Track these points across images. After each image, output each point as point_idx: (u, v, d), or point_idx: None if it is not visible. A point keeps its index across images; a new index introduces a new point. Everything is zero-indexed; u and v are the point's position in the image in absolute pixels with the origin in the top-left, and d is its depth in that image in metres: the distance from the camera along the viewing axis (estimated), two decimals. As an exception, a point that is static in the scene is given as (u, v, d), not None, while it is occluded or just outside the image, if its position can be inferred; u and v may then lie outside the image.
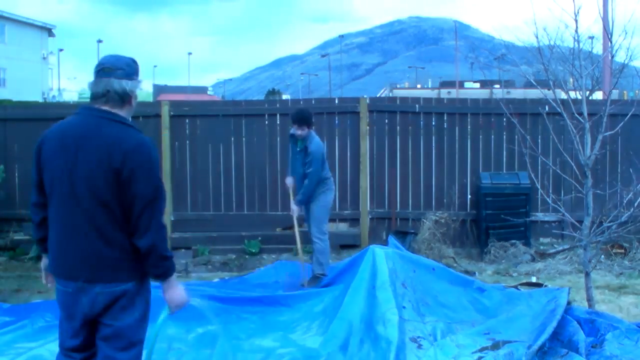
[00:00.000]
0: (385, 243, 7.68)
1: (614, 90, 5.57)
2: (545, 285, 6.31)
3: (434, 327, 4.81)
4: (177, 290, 3.12)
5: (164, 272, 3.03)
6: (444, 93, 43.85)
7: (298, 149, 6.99)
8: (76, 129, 2.95)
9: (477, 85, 51.57)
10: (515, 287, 6.18)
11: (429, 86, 69.17)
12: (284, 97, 58.35)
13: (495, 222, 8.23)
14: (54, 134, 3.00)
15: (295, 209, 6.98)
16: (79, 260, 2.93)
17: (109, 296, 2.93)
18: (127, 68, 3.00)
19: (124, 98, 2.98)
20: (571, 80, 5.43)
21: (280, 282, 6.90)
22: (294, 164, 7.10)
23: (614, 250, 8.00)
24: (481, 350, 4.42)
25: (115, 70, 2.96)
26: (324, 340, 4.85)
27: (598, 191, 5.49)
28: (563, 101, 5.62)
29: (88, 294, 2.93)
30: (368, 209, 9.11)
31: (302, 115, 6.91)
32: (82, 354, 3.07)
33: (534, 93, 8.19)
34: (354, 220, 9.19)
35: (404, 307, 4.80)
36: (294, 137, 7.00)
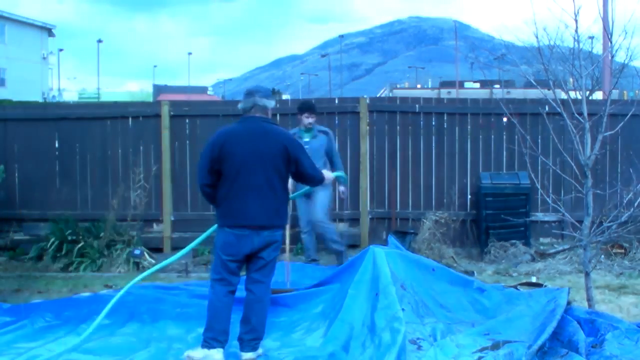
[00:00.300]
0: (385, 243, 7.68)
1: (614, 90, 5.57)
2: (545, 285, 6.30)
3: (433, 328, 4.80)
4: (328, 175, 5.38)
5: (322, 179, 4.97)
6: (444, 93, 43.82)
7: (306, 140, 7.24)
8: (253, 128, 4.64)
9: (477, 85, 51.57)
10: (515, 287, 6.17)
11: (429, 86, 69.14)
12: (284, 97, 58.33)
13: (495, 222, 8.23)
14: (235, 134, 4.64)
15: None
16: (260, 212, 4.52)
17: (272, 237, 4.59)
18: (263, 92, 4.84)
19: (266, 110, 4.78)
20: (571, 80, 5.43)
21: (280, 281, 6.88)
22: None
23: (614, 250, 8.00)
24: (481, 350, 4.42)
25: (258, 92, 4.79)
26: (324, 341, 4.85)
27: (598, 191, 5.49)
28: (563, 101, 5.62)
29: (259, 236, 4.54)
30: (368, 209, 9.11)
31: (311, 103, 7.62)
32: (236, 279, 4.69)
33: (534, 93, 8.18)
34: (354, 220, 9.19)
35: (403, 309, 4.79)
36: (295, 134, 7.13)
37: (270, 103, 4.77)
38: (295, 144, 4.72)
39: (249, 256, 4.62)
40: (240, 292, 4.85)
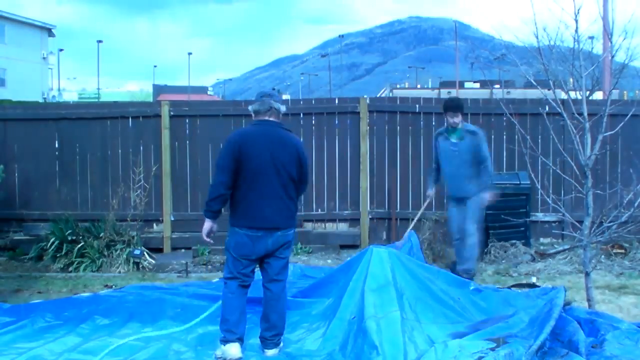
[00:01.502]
0: (385, 243, 7.69)
1: (614, 91, 5.57)
2: (538, 286, 6.30)
3: (432, 328, 4.80)
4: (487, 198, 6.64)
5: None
6: (444, 93, 43.83)
7: (454, 141, 6.81)
8: (270, 133, 4.73)
9: (477, 85, 51.57)
10: (510, 288, 6.18)
11: (429, 86, 69.14)
12: (284, 97, 58.31)
13: (495, 222, 8.22)
14: (253, 137, 4.68)
15: (431, 194, 7.35)
16: (275, 214, 4.66)
17: (285, 238, 4.75)
18: (277, 96, 4.98)
19: (280, 114, 4.87)
20: (571, 80, 5.42)
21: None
22: (450, 161, 6.89)
23: (614, 250, 8.00)
24: (481, 350, 4.41)
25: (273, 96, 4.90)
26: (323, 340, 4.85)
27: (598, 191, 5.49)
28: (563, 101, 5.62)
29: (273, 237, 4.67)
30: (368, 209, 9.11)
31: (458, 102, 6.94)
32: (250, 279, 4.78)
33: (534, 93, 8.18)
34: (354, 220, 9.19)
35: (402, 309, 4.79)
36: (442, 134, 6.88)
37: (283, 108, 4.89)
38: (305, 153, 4.90)
39: (263, 256, 4.73)
40: (255, 292, 4.94)
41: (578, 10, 5.00)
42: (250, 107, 4.87)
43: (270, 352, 4.74)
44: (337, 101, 9.68)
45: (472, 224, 6.80)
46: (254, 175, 4.61)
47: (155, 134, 9.19)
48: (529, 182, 8.21)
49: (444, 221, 8.37)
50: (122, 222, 8.41)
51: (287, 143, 4.75)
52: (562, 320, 4.66)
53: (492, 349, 4.41)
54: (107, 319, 5.37)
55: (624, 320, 4.88)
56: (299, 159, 4.75)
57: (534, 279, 6.93)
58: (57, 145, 9.38)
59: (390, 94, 43.74)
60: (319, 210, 9.29)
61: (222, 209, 4.71)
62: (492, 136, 9.13)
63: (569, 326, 4.61)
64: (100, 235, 8.17)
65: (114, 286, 6.84)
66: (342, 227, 9.25)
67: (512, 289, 6.15)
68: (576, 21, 5.03)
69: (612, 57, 5.45)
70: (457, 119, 6.80)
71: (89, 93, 64.38)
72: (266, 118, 4.78)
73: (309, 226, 9.27)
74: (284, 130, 4.82)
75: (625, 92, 19.74)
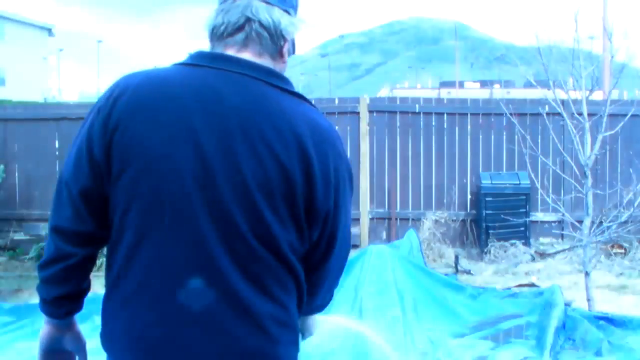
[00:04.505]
0: (385, 242, 7.68)
1: (614, 91, 5.57)
2: (538, 286, 6.31)
3: (432, 329, 4.81)
4: None
5: None
6: (444, 93, 43.85)
7: None
8: (221, 92, 1.55)
9: (477, 85, 51.61)
10: (510, 288, 6.19)
11: (429, 86, 69.19)
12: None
13: (495, 222, 8.23)
14: (163, 97, 1.58)
15: None
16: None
17: None
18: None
19: (277, 40, 1.64)
20: (571, 80, 5.43)
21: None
22: None
23: (614, 250, 8.00)
24: (481, 351, 4.42)
25: None
26: (321, 340, 4.85)
27: (598, 191, 5.50)
28: (563, 101, 5.62)
29: None
30: (368, 209, 9.11)
31: None
32: None
33: (534, 93, 8.19)
34: (354, 220, 9.19)
35: (402, 310, 4.80)
36: None
37: (293, 25, 1.68)
38: (342, 155, 1.47)
39: None
40: None
41: (578, 10, 5.01)
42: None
43: None
44: (337, 101, 9.68)
45: None
46: (150, 210, 1.49)
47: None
48: (528, 182, 8.21)
49: (444, 221, 8.38)
50: (122, 222, 8.39)
51: (276, 118, 1.52)
52: (571, 319, 4.66)
53: (492, 350, 4.42)
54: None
55: (633, 318, 4.87)
56: (308, 172, 1.52)
57: (533, 279, 6.93)
58: (57, 145, 9.38)
59: (390, 94, 43.75)
60: (319, 210, 9.28)
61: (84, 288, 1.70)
62: (492, 136, 9.13)
63: (580, 325, 4.61)
64: (100, 235, 8.15)
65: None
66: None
67: (512, 289, 6.16)
68: (576, 21, 5.04)
69: (612, 57, 5.45)
70: None
71: (89, 93, 64.40)
72: (228, 51, 1.61)
73: (309, 226, 9.26)
74: (276, 90, 1.57)
75: (625, 91, 19.73)
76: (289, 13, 1.66)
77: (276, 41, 1.63)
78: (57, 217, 1.60)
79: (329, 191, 1.54)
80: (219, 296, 1.46)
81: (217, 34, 1.63)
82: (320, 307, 1.80)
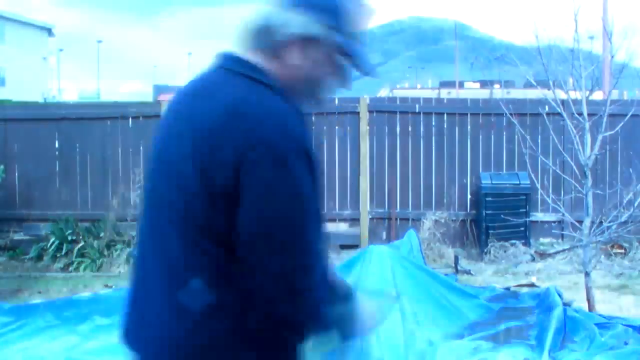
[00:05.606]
0: (385, 242, 7.68)
1: (614, 91, 5.57)
2: (538, 286, 6.32)
3: (432, 329, 4.81)
4: None
5: None
6: (444, 93, 43.85)
7: None
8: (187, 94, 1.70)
9: (477, 85, 51.57)
10: (510, 288, 6.19)
11: (429, 86, 69.14)
12: (284, 97, 58.11)
13: (495, 222, 8.23)
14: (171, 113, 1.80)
15: None
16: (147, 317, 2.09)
17: None
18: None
19: (269, 37, 1.58)
20: (571, 80, 5.43)
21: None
22: None
23: (614, 250, 8.00)
24: (481, 351, 4.42)
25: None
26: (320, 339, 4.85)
27: (598, 191, 5.50)
28: (563, 101, 5.62)
29: None
30: (368, 209, 9.11)
31: None
32: None
33: (534, 93, 8.18)
34: (354, 220, 9.19)
35: (402, 310, 4.80)
36: None
37: (307, 23, 1.63)
38: (253, 136, 1.82)
39: None
40: None
41: (578, 10, 5.01)
42: None
43: None
44: (336, 101, 9.67)
45: None
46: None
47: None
48: (528, 182, 8.21)
49: (444, 221, 8.38)
50: (122, 222, 8.40)
51: (187, 111, 1.61)
52: (571, 319, 4.66)
53: (492, 351, 4.42)
54: (107, 319, 5.35)
55: (637, 319, 4.88)
56: (202, 160, 1.52)
57: (533, 279, 6.94)
58: (57, 145, 9.38)
59: (390, 94, 43.73)
60: (319, 210, 9.27)
61: None
62: (492, 136, 9.13)
63: (582, 325, 4.61)
64: (101, 235, 8.17)
65: (114, 286, 6.84)
66: (342, 227, 9.24)
67: (512, 289, 6.16)
68: (576, 21, 5.04)
69: (612, 57, 5.45)
70: None
71: (89, 93, 64.35)
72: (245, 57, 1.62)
73: (309, 226, 9.25)
74: (228, 76, 1.58)
75: (625, 91, 19.72)
76: (301, 10, 1.60)
77: (268, 37, 1.60)
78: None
79: (224, 171, 1.48)
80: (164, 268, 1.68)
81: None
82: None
